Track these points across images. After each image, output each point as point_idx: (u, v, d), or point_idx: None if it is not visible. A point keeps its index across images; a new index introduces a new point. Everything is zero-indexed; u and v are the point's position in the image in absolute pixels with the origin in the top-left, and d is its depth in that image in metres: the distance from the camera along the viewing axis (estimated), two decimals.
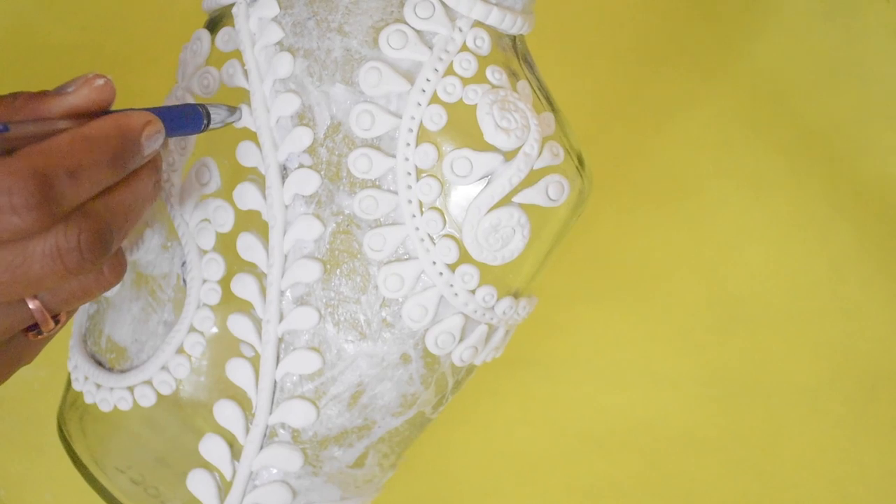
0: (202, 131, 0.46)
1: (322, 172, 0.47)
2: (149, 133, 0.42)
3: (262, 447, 0.49)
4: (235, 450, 0.49)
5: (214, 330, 0.49)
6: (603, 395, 0.65)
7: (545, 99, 0.49)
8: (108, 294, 0.53)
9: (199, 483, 0.50)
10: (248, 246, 0.48)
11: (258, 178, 0.48)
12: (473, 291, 0.47)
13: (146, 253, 0.51)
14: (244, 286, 0.48)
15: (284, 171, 0.47)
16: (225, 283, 0.49)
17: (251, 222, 0.48)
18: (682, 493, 0.63)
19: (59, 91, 0.41)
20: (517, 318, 0.50)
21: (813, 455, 0.65)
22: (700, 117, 0.71)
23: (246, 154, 0.48)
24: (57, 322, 0.44)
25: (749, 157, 0.71)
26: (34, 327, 0.43)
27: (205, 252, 0.49)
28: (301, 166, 0.47)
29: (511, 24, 0.47)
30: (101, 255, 0.40)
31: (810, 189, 0.70)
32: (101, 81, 0.41)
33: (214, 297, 0.49)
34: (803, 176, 0.70)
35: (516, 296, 0.49)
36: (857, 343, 0.67)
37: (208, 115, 0.46)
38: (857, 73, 0.73)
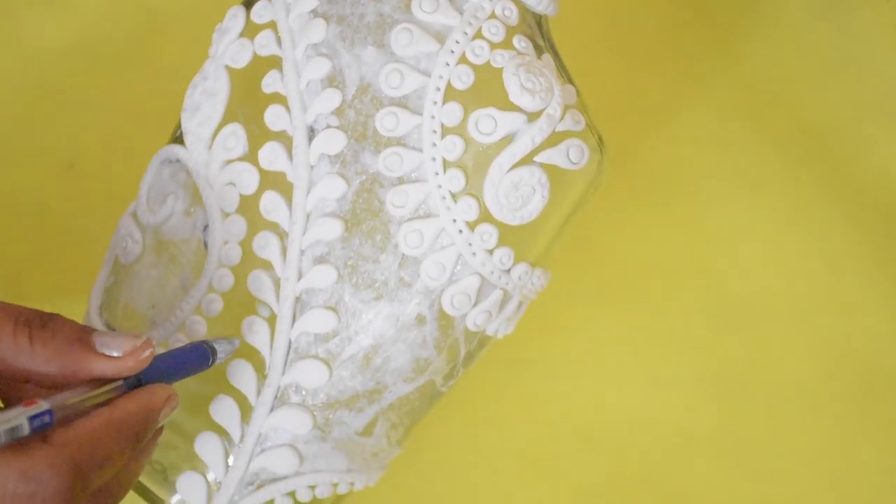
0: (210, 367, 0.47)
1: (348, 132, 0.48)
2: (167, 411, 0.43)
3: (272, 409, 0.49)
4: (245, 413, 0.49)
5: (232, 290, 0.50)
6: (602, 394, 0.65)
7: (567, 77, 0.51)
8: (127, 262, 0.53)
9: (207, 445, 0.50)
10: (271, 204, 0.49)
11: (286, 140, 0.49)
12: (491, 252, 0.48)
13: (168, 219, 0.52)
14: (266, 244, 0.49)
15: (312, 133, 0.49)
16: (246, 243, 0.49)
17: (276, 184, 0.49)
18: (681, 492, 0.63)
19: (103, 349, 0.41)
20: (531, 288, 0.51)
21: (811, 453, 0.64)
22: (697, 116, 0.72)
23: (275, 118, 0.49)
24: None
25: (746, 156, 0.71)
26: None
27: (227, 215, 0.50)
28: (328, 127, 0.48)
29: (537, 2, 0.50)
30: None
31: (807, 187, 0.71)
32: (146, 353, 0.42)
33: (235, 256, 0.50)
34: (800, 174, 0.71)
35: (532, 264, 0.50)
36: (855, 341, 0.67)
37: (213, 350, 0.47)
38: (855, 71, 0.74)
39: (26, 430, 0.36)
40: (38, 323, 0.41)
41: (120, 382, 0.42)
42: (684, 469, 0.63)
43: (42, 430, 0.37)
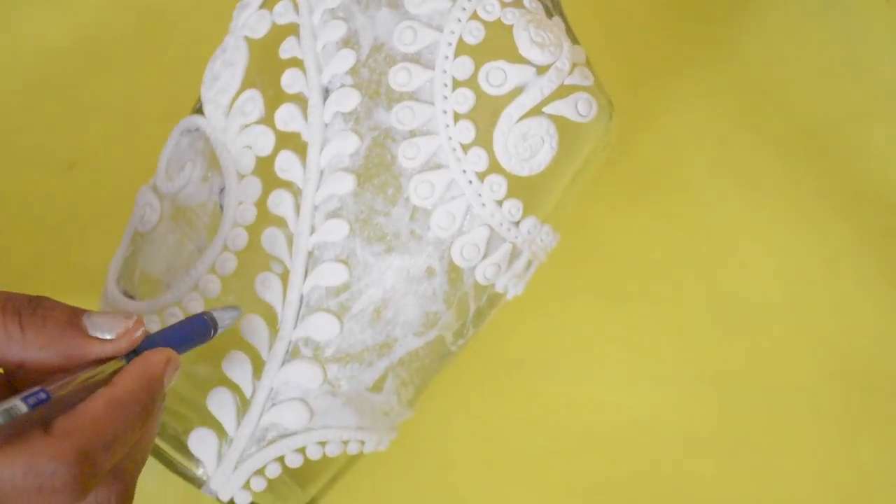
0: (212, 339, 0.47)
1: (362, 90, 0.50)
2: (170, 375, 0.43)
3: (283, 363, 0.50)
4: (256, 368, 0.50)
5: (246, 248, 0.50)
6: (601, 394, 0.65)
7: (575, 40, 0.52)
8: (145, 231, 0.54)
9: (218, 401, 0.50)
10: (286, 163, 0.50)
11: (301, 102, 0.51)
12: (500, 203, 0.49)
13: (185, 185, 0.53)
14: (280, 201, 0.50)
15: (326, 93, 0.50)
16: (261, 203, 0.51)
17: (291, 144, 0.50)
18: (681, 492, 0.62)
19: (95, 332, 0.41)
20: (540, 245, 0.52)
21: (810, 452, 0.64)
22: (696, 115, 0.73)
23: (291, 80, 0.51)
24: None
25: (746, 155, 0.72)
26: None
27: (243, 176, 0.51)
28: (343, 86, 0.50)
29: None
30: None
31: (806, 187, 0.71)
32: (138, 333, 0.42)
33: (250, 216, 0.51)
34: (799, 173, 0.71)
35: (541, 219, 0.51)
36: (854, 340, 0.67)
37: (214, 322, 0.47)
38: (853, 70, 0.74)
39: (23, 407, 0.36)
40: (28, 308, 0.40)
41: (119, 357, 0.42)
42: (684, 469, 0.63)
43: (41, 406, 0.37)
